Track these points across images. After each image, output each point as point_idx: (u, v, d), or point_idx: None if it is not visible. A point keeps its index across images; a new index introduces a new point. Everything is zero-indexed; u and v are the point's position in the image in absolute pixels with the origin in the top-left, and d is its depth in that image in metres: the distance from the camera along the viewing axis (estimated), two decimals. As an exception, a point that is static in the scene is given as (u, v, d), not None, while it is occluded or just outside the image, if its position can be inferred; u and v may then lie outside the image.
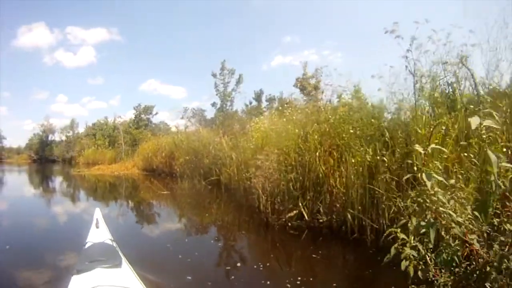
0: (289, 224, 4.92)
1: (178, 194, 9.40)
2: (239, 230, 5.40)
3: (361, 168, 4.30)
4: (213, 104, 19.86)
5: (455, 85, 4.33)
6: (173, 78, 50.47)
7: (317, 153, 5.01)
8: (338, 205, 4.66)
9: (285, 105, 7.13)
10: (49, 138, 38.59)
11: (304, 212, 4.88)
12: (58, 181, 16.09)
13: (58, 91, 51.84)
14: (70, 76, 47.61)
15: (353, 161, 4.40)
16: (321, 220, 4.85)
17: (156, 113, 29.13)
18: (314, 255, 3.73)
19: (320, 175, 4.94)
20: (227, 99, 20.23)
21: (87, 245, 2.84)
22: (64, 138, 36.87)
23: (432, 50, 4.00)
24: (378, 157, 4.10)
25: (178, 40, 45.64)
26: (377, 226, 4.05)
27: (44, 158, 37.27)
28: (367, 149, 4.20)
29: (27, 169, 25.51)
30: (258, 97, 21.76)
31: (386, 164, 3.99)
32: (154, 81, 52.98)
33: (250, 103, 20.89)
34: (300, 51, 38.88)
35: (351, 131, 4.53)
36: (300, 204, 4.96)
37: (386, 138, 4.20)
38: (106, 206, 7.74)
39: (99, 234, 3.15)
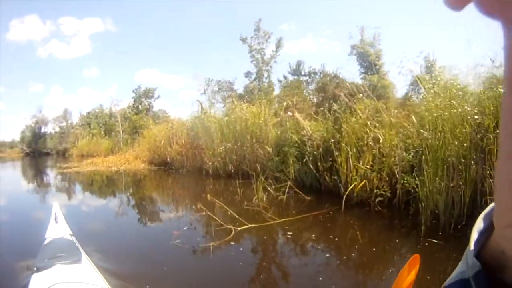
0: None
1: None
2: None
3: None
4: (247, 74, 14.86)
5: None
6: (170, 67, 46.81)
7: None
8: None
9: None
10: (42, 130, 34.28)
11: None
12: (29, 189, 10.26)
13: (53, 82, 48.69)
14: (65, 67, 43.70)
15: None
16: None
17: (158, 97, 24.23)
18: None
19: None
20: (263, 69, 15.23)
21: (46, 241, 2.62)
22: (57, 129, 32.88)
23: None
24: None
25: (172, 29, 42.99)
26: None
27: (37, 151, 33.02)
28: None
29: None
30: (295, 70, 16.68)
31: None
32: (150, 70, 50.34)
33: (285, 78, 15.95)
34: (296, 39, 35.97)
35: None
36: None
37: None
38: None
39: (58, 229, 2.92)
